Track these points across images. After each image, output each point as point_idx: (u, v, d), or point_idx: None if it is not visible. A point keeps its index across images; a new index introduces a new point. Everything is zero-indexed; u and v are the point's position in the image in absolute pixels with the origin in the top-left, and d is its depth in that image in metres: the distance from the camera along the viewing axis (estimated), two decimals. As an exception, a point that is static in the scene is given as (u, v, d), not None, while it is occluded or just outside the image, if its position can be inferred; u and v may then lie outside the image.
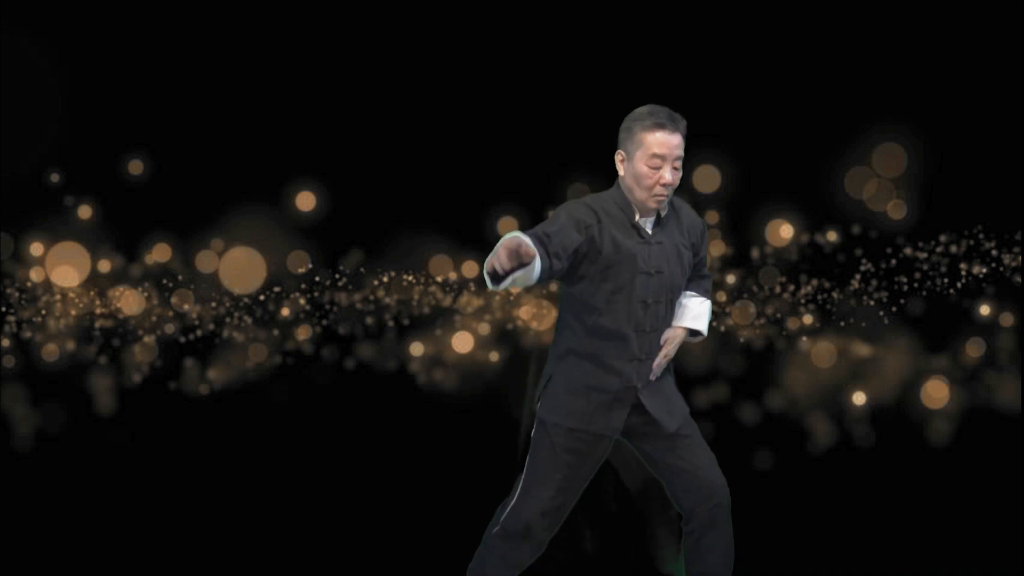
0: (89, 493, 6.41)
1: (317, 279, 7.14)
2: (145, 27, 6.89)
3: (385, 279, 7.16)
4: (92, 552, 5.73)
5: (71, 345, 6.98)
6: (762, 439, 6.78)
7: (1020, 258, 6.95)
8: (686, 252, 4.33)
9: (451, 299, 7.16)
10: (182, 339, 7.08)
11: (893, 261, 7.08)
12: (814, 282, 7.14)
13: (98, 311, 7.00)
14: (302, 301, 7.13)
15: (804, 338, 7.10)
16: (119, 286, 7.01)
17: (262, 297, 7.10)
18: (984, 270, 7.00)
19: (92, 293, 6.99)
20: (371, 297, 7.16)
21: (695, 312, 4.40)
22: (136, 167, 6.91)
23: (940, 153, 6.81)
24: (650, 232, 4.24)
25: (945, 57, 6.84)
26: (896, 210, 6.93)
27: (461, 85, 7.00)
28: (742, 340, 7.12)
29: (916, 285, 7.07)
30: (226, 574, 5.59)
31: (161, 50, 6.91)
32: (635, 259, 4.19)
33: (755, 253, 7.11)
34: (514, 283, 3.92)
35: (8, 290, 6.91)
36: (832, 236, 7.07)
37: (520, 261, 3.82)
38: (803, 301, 7.14)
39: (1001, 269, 6.98)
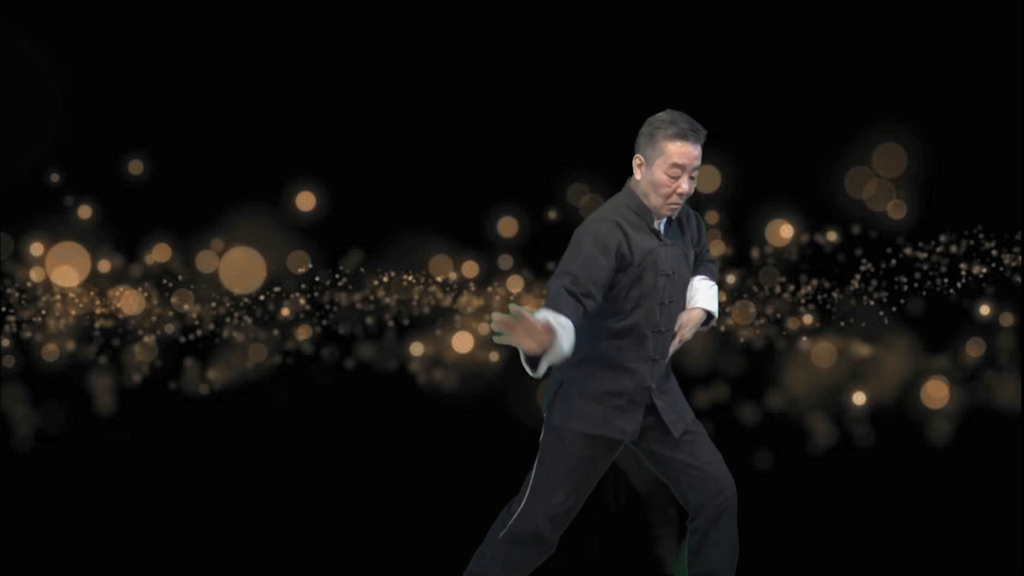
0: (89, 493, 6.41)
1: (317, 279, 7.14)
2: (145, 27, 6.89)
3: (385, 279, 7.15)
4: (92, 552, 5.73)
5: (71, 345, 6.97)
6: (762, 439, 6.78)
7: (1020, 258, 6.95)
8: (691, 251, 4.38)
9: (451, 299, 7.16)
10: (182, 339, 7.07)
11: (893, 261, 7.08)
12: (814, 282, 7.14)
13: (98, 311, 7.00)
14: (302, 301, 7.13)
15: (804, 338, 7.10)
16: (119, 286, 7.01)
17: (262, 297, 7.10)
18: (984, 270, 7.00)
19: (92, 293, 6.99)
20: (371, 297, 7.16)
21: (708, 295, 4.42)
22: (136, 167, 6.91)
23: (940, 153, 6.81)
24: (664, 234, 4.27)
25: (945, 57, 6.83)
26: (896, 210, 6.93)
27: (461, 85, 7.00)
28: (742, 340, 7.12)
29: (916, 285, 7.07)
30: (226, 574, 5.59)
31: (161, 50, 6.91)
32: (656, 262, 4.21)
33: (755, 253, 7.11)
34: (552, 360, 3.91)
35: (8, 290, 6.91)
36: (832, 236, 7.06)
37: (542, 349, 3.83)
38: (803, 301, 7.14)
39: (1001, 269, 6.98)
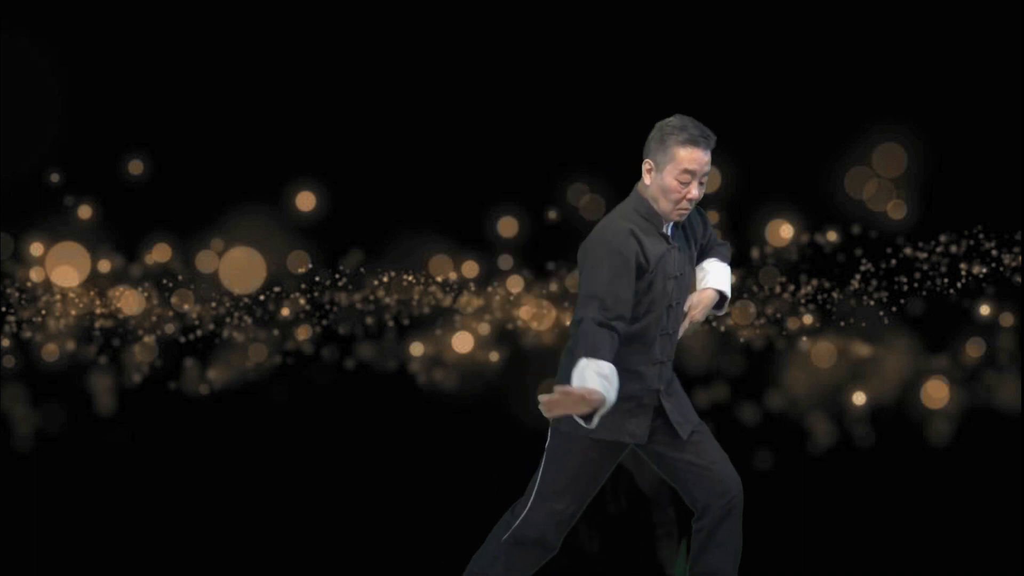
0: (89, 493, 6.41)
1: (317, 279, 7.13)
2: (145, 27, 6.89)
3: (385, 279, 7.15)
4: (92, 552, 5.73)
5: (71, 345, 6.97)
6: (762, 439, 6.78)
7: (1020, 258, 6.94)
8: (695, 251, 4.39)
9: (451, 299, 7.16)
10: (182, 339, 7.07)
11: (893, 261, 7.07)
12: (814, 282, 7.13)
13: (98, 311, 7.00)
14: (302, 301, 7.13)
15: (804, 338, 7.09)
16: (119, 286, 7.01)
17: (262, 297, 7.10)
18: (984, 270, 7.00)
19: (92, 293, 6.98)
20: (371, 297, 7.15)
21: (719, 275, 4.42)
22: (136, 167, 6.91)
23: (940, 153, 6.81)
24: (671, 237, 4.27)
25: (945, 57, 6.83)
26: (896, 210, 6.93)
27: (461, 85, 7.00)
28: (742, 340, 7.12)
29: (916, 285, 7.06)
30: (226, 574, 5.59)
31: (161, 50, 6.91)
32: (666, 266, 4.22)
33: (755, 253, 7.11)
34: (604, 412, 3.99)
35: (8, 290, 6.91)
36: (832, 236, 7.06)
37: (593, 409, 3.93)
38: (803, 301, 7.14)
39: (1001, 269, 6.98)
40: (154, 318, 7.05)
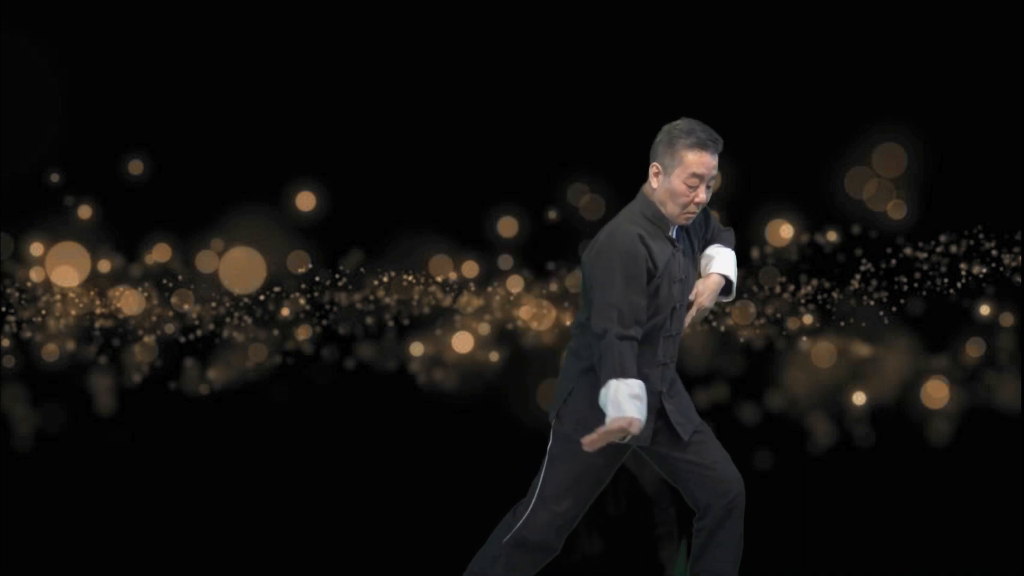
0: (89, 493, 6.41)
1: (317, 279, 7.13)
2: (145, 27, 6.89)
3: (385, 279, 7.15)
4: (92, 552, 5.73)
5: (71, 345, 6.97)
6: (762, 439, 6.78)
7: (1020, 258, 6.94)
8: (698, 254, 4.41)
9: (451, 299, 7.16)
10: (182, 339, 7.07)
11: (893, 261, 7.07)
12: (814, 282, 7.13)
13: (98, 311, 7.00)
14: (302, 301, 7.12)
15: (804, 338, 7.09)
16: (119, 286, 7.01)
17: (262, 297, 7.10)
18: (984, 270, 7.00)
19: (92, 293, 6.98)
20: (371, 297, 7.15)
21: (724, 260, 4.42)
22: (136, 167, 6.91)
23: (940, 153, 6.80)
24: (676, 239, 4.28)
25: (945, 57, 6.83)
26: (896, 210, 6.93)
27: (461, 85, 6.99)
28: (742, 340, 7.12)
29: (916, 285, 7.06)
30: (226, 574, 5.59)
31: (161, 50, 6.91)
32: (672, 269, 4.22)
33: (755, 253, 7.11)
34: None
35: (8, 290, 6.90)
36: (832, 236, 7.06)
37: (631, 433, 4.03)
38: (803, 301, 7.14)
39: (1001, 269, 6.98)
40: (154, 318, 7.05)
